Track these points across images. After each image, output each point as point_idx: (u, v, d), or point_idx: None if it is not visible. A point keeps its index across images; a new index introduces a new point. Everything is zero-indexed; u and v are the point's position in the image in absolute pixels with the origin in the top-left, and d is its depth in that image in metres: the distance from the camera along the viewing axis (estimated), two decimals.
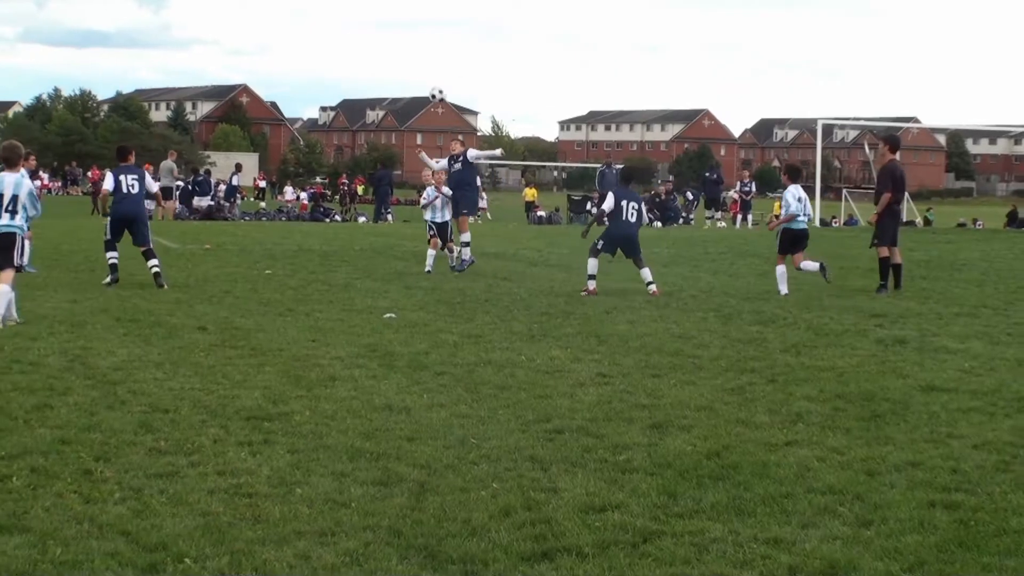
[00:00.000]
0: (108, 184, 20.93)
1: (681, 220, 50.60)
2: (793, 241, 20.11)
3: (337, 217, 55.73)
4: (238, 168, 55.99)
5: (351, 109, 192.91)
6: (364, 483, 8.12)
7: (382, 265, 24.91)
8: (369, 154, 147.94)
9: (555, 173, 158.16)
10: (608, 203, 20.54)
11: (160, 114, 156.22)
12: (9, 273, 15.01)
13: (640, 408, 10.61)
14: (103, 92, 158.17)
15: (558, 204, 65.72)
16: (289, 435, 9.44)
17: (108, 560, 6.54)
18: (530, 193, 65.17)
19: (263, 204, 66.09)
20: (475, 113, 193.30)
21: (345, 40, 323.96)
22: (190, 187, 50.32)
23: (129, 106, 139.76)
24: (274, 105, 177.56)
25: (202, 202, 49.45)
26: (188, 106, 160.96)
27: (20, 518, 7.15)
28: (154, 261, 19.99)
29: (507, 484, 8.15)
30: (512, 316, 16.68)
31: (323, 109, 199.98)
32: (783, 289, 19.69)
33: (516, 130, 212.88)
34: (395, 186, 65.02)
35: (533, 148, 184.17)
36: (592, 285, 19.50)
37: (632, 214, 20.22)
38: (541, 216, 57.18)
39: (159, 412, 10.10)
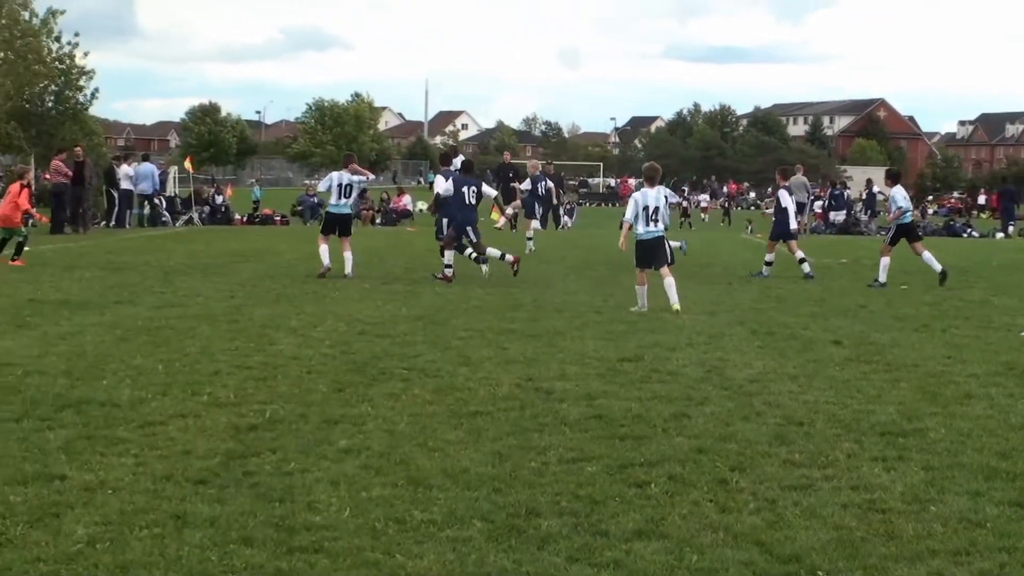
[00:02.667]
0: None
1: None
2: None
3: (975, 233, 53.91)
4: (869, 184, 55.72)
5: (990, 123, 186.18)
6: (1000, 503, 7.81)
7: (1021, 281, 23.91)
8: (1008, 169, 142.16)
9: None
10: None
11: (798, 128, 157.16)
12: (666, 268, 18.05)
13: None
14: (741, 107, 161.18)
15: None
16: (923, 452, 9.22)
17: (742, 569, 6.63)
18: None
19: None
20: None
21: (983, 52, 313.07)
22: (828, 201, 50.53)
23: (767, 120, 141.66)
24: (912, 119, 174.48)
25: (838, 216, 49.53)
26: (825, 120, 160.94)
27: (658, 524, 7.36)
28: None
29: None
30: None
31: (961, 123, 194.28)
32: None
33: None
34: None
35: None
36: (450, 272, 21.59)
37: (472, 198, 22.22)
38: None
39: (793, 424, 10.14)
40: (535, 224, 32.19)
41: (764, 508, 7.72)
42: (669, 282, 17.83)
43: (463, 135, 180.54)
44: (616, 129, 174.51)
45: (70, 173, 36.61)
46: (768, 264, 24.32)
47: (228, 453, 8.86)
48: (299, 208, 53.38)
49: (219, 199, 50.98)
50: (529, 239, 30.41)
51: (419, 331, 15.30)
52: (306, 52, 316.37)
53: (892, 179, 25.08)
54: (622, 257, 22.39)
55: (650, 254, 18.09)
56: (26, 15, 52.17)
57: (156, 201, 43.73)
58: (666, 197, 18.68)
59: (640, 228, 18.07)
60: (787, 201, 25.05)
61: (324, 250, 22.80)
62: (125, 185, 41.27)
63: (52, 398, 10.64)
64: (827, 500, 7.90)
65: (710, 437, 9.63)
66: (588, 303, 18.67)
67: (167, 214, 44.95)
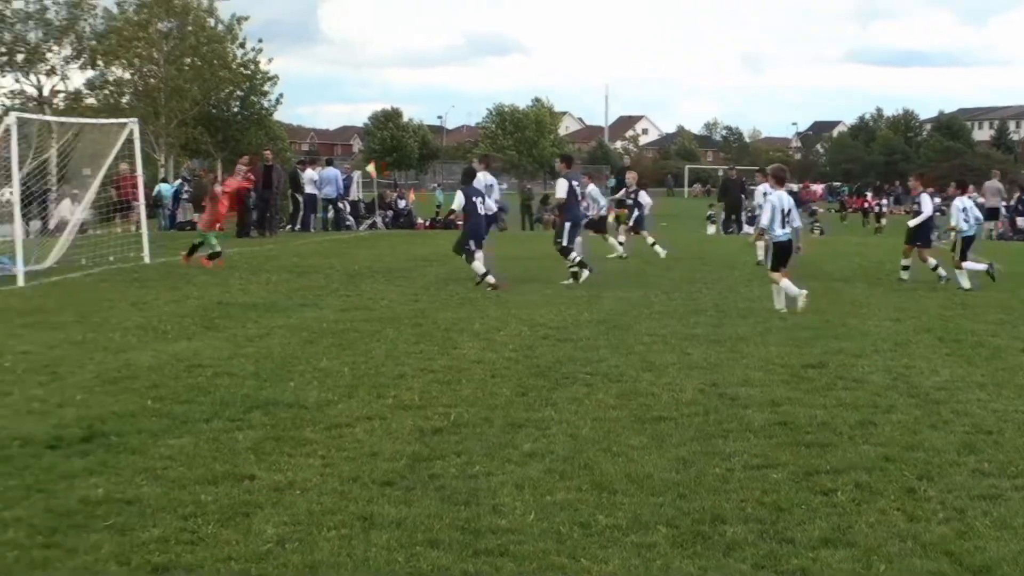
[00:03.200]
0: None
1: None
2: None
3: None
4: None
5: None
6: None
7: None
8: None
9: None
10: (458, 202, 22.26)
11: (983, 133, 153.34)
12: (780, 274, 18.37)
13: None
14: (924, 111, 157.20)
15: None
16: None
17: None
18: None
19: None
20: None
21: None
22: (1016, 207, 49.44)
23: (952, 125, 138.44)
24: None
25: None
26: (1011, 125, 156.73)
27: (845, 532, 7.28)
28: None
29: None
30: None
31: None
32: None
33: None
34: None
35: None
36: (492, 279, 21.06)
37: (481, 208, 22.36)
38: None
39: (982, 433, 9.94)
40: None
41: (953, 518, 7.59)
42: (785, 285, 18.39)
43: (643, 140, 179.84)
44: (798, 134, 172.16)
45: (253, 178, 37.40)
46: (936, 270, 23.68)
47: (414, 455, 9.00)
48: None
49: (402, 203, 51.66)
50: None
51: (602, 336, 15.33)
52: (488, 57, 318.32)
53: (961, 188, 24.09)
54: (805, 262, 22.21)
55: (787, 255, 18.61)
56: (212, 22, 53.61)
57: (340, 205, 44.50)
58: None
59: (778, 230, 18.55)
60: (928, 207, 24.21)
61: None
62: (310, 189, 42.11)
63: (241, 399, 10.92)
64: (1018, 510, 7.74)
65: (897, 445, 9.49)
66: (771, 308, 18.47)
67: (351, 218, 45.72)
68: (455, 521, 7.38)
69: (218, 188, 27.34)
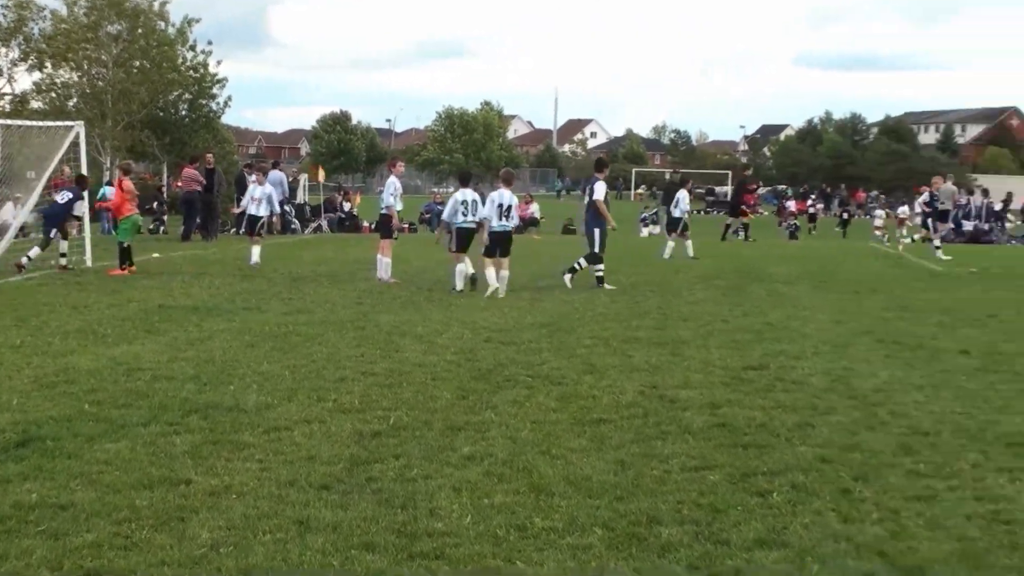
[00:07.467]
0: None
1: None
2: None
3: None
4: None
5: None
6: None
7: None
8: None
9: None
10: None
11: (928, 137, 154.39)
12: (504, 261, 21.31)
13: None
14: (872, 115, 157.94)
15: None
16: None
17: None
18: None
19: None
20: None
21: None
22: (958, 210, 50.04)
23: (899, 129, 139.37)
24: None
25: (967, 225, 48.97)
26: (957, 129, 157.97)
27: (780, 533, 7.32)
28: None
29: None
30: None
31: None
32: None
33: None
34: None
35: None
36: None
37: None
38: None
39: (919, 435, 10.02)
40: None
41: (887, 518, 7.65)
42: (505, 274, 21.20)
43: (592, 143, 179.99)
44: (745, 137, 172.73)
45: (203, 181, 37.22)
46: None
47: (352, 459, 8.98)
48: (426, 216, 53.81)
49: (347, 207, 51.54)
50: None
51: (544, 339, 15.35)
52: (438, 60, 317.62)
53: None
54: (750, 267, 22.33)
55: (500, 245, 21.35)
56: (162, 25, 53.31)
57: (286, 208, 44.28)
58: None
59: (495, 223, 21.46)
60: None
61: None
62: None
63: (179, 403, 10.85)
64: (951, 511, 7.81)
65: (834, 447, 9.56)
66: (714, 312, 18.59)
67: (296, 221, 45.55)
68: (391, 524, 7.36)
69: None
